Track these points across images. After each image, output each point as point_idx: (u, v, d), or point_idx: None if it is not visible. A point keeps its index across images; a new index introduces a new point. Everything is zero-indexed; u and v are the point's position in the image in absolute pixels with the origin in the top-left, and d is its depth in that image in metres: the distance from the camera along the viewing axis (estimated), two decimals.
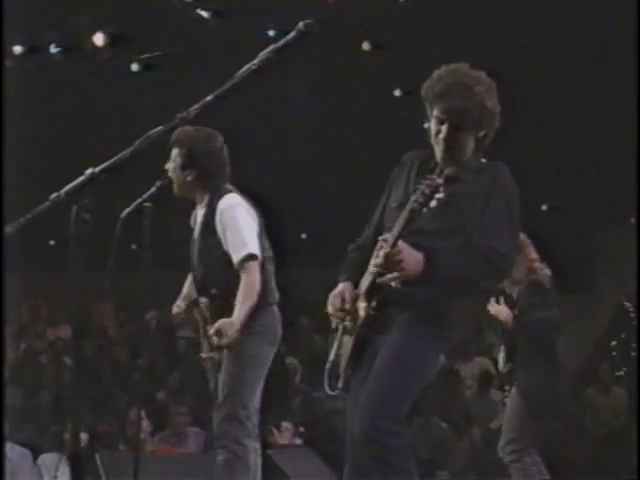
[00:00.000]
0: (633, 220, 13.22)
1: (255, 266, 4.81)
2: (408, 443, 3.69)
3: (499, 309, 6.35)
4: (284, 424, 8.91)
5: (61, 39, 9.04)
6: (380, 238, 3.65)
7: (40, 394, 10.46)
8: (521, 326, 6.32)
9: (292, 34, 2.78)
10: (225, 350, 4.79)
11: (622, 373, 12.92)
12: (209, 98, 2.77)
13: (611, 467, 9.40)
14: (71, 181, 2.71)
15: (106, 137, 7.40)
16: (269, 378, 4.93)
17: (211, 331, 4.74)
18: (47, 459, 7.98)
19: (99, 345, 12.52)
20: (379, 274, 3.64)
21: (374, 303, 3.71)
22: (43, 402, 10.24)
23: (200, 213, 5.06)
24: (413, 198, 3.55)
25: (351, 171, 11.82)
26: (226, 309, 4.76)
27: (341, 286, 3.86)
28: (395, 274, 3.59)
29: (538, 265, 6.33)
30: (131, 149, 2.74)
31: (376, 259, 3.63)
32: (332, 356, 3.89)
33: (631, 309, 14.59)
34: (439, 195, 3.50)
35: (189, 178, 4.99)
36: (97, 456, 6.85)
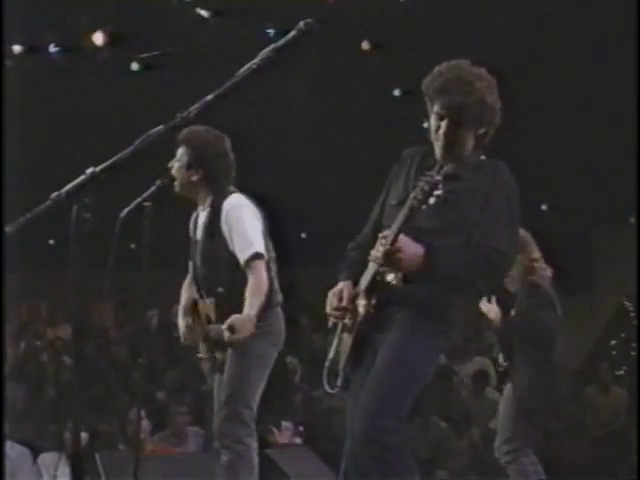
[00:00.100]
0: (633, 220, 13.23)
1: (262, 265, 4.80)
2: (408, 442, 3.69)
3: (489, 307, 6.32)
4: (284, 423, 8.90)
5: (61, 39, 9.02)
6: (380, 235, 3.63)
7: (40, 393, 10.46)
8: (515, 327, 6.31)
9: (292, 34, 2.79)
10: (229, 350, 4.78)
11: (622, 372, 12.92)
12: (209, 98, 2.77)
13: (611, 467, 9.39)
14: (71, 180, 2.72)
15: (106, 137, 7.39)
16: (269, 377, 4.92)
17: (224, 326, 4.67)
18: (47, 458, 7.96)
19: (99, 345, 12.51)
20: (378, 273, 3.63)
21: (374, 301, 3.70)
22: (43, 401, 10.25)
23: (202, 214, 5.02)
24: (412, 195, 3.52)
25: (351, 171, 11.82)
26: (232, 309, 4.74)
27: (340, 285, 3.85)
28: (395, 274, 3.58)
29: (539, 265, 6.31)
30: (131, 149, 2.74)
31: (376, 252, 3.59)
32: (331, 354, 3.87)
33: (631, 309, 14.60)
34: (438, 192, 3.46)
35: (194, 178, 4.96)
36: (97, 455, 6.84)
